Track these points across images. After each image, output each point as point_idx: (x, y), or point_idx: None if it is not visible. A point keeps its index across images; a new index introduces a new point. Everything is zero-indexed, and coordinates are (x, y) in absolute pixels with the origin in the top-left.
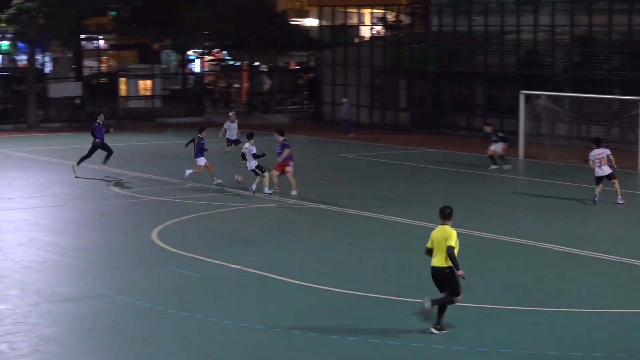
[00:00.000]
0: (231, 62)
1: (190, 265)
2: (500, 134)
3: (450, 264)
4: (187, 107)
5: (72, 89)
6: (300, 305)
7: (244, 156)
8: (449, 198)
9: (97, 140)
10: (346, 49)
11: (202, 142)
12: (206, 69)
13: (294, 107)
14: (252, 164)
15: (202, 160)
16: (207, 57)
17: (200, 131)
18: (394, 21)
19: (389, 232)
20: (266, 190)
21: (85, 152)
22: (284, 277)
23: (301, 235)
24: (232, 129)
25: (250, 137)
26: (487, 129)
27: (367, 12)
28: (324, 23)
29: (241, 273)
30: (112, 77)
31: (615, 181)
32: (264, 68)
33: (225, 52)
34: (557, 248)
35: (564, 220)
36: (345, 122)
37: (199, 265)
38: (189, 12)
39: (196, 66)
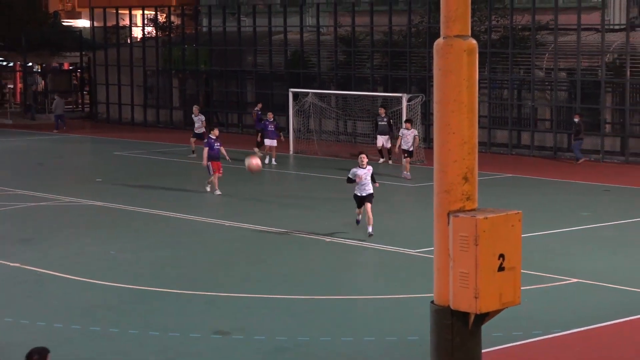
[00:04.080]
0: (4, 63)
1: None
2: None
3: None
4: None
5: None
6: (80, 300)
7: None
8: (224, 194)
9: None
10: (119, 49)
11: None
12: None
13: (69, 106)
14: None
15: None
16: None
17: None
18: (164, 22)
19: (162, 227)
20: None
21: None
22: (63, 274)
23: (79, 232)
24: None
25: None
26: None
27: (138, 13)
28: (96, 24)
29: (21, 270)
30: None
31: (409, 159)
32: (37, 68)
33: None
34: (327, 239)
35: (333, 212)
36: (58, 117)
37: None
38: None
39: None
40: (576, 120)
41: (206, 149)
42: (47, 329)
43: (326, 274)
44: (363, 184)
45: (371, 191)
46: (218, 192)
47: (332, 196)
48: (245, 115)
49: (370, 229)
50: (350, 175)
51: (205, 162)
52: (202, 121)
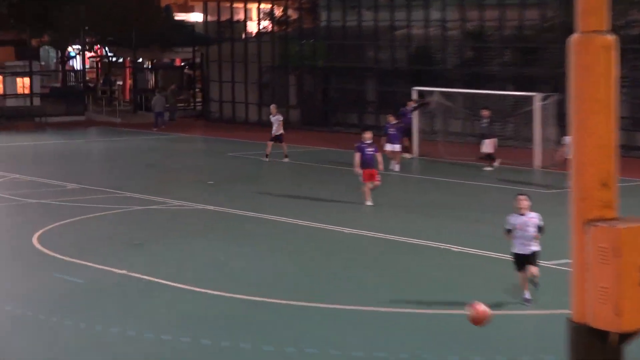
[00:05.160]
0: (113, 58)
1: (73, 270)
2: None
3: None
4: (68, 105)
5: None
6: (189, 311)
7: None
8: (338, 199)
9: None
10: (233, 44)
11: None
12: (88, 66)
13: (181, 105)
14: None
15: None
16: (89, 54)
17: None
18: (281, 16)
19: (277, 233)
20: None
21: None
22: (172, 282)
23: (189, 238)
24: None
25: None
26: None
27: (253, 6)
28: (210, 18)
29: (127, 278)
30: None
31: None
32: (147, 65)
33: (107, 49)
34: (455, 248)
35: (459, 219)
36: (157, 115)
37: (83, 270)
38: (67, 8)
39: (77, 63)
40: None
41: (357, 154)
42: (155, 341)
43: (453, 285)
44: (521, 237)
45: (536, 248)
46: (369, 202)
47: (458, 202)
48: (365, 114)
49: (527, 295)
50: (507, 227)
51: (357, 168)
52: (279, 121)
